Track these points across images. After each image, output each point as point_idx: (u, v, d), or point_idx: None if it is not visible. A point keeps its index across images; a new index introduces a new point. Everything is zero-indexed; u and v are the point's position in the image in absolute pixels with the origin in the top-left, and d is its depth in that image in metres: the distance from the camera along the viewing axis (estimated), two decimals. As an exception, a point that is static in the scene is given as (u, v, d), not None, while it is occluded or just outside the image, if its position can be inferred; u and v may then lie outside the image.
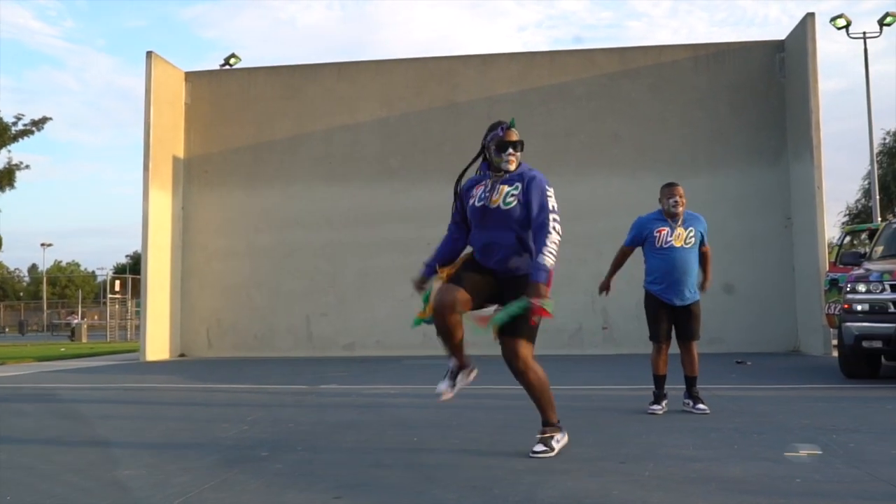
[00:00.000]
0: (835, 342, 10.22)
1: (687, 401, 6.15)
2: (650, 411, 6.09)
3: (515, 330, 4.20)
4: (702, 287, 6.31)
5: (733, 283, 13.35)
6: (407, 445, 4.81)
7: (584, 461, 4.18)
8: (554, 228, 4.19)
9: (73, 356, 16.14)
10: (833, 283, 11.08)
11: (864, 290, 8.09)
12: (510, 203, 4.27)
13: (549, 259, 4.14)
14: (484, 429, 5.35)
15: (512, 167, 4.34)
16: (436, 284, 4.36)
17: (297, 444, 4.85)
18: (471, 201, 4.41)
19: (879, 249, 9.12)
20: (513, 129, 4.37)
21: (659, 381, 6.20)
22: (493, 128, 4.44)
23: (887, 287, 7.94)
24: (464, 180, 4.58)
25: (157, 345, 14.23)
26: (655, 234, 6.10)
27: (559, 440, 4.37)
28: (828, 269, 12.04)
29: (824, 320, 11.68)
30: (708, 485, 3.59)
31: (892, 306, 7.86)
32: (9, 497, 3.62)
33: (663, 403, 6.14)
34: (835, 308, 9.94)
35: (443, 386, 4.43)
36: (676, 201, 6.06)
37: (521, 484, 3.65)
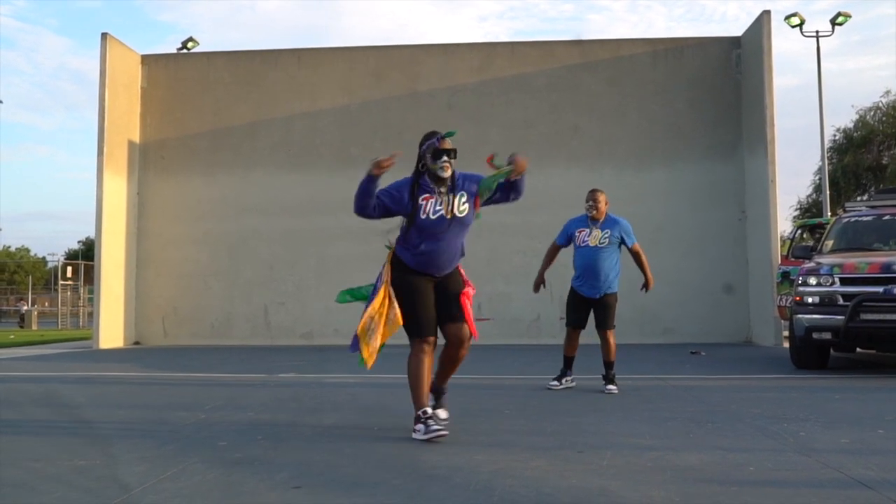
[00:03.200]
0: (786, 333, 10.46)
1: (604, 383, 6.67)
2: (549, 386, 6.76)
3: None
4: (646, 287, 6.82)
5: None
6: (367, 434, 4.82)
7: (543, 450, 4.23)
8: None
9: (24, 343, 15.81)
10: (785, 276, 11.33)
11: (814, 282, 8.27)
12: (464, 211, 4.66)
13: None
14: (443, 418, 5.37)
15: (447, 174, 4.65)
16: (380, 327, 4.70)
17: (257, 432, 4.82)
18: (422, 213, 4.61)
19: (829, 243, 9.32)
20: (447, 139, 4.69)
21: (567, 360, 6.88)
22: (429, 136, 4.73)
23: (837, 280, 8.13)
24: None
25: (111, 332, 14.00)
26: (577, 234, 6.73)
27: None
28: (780, 261, 12.30)
29: (776, 312, 11.95)
30: (664, 473, 3.66)
31: (841, 299, 8.04)
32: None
33: (564, 381, 6.80)
34: (786, 300, 10.18)
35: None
36: (591, 205, 6.69)
37: (481, 473, 3.69)
